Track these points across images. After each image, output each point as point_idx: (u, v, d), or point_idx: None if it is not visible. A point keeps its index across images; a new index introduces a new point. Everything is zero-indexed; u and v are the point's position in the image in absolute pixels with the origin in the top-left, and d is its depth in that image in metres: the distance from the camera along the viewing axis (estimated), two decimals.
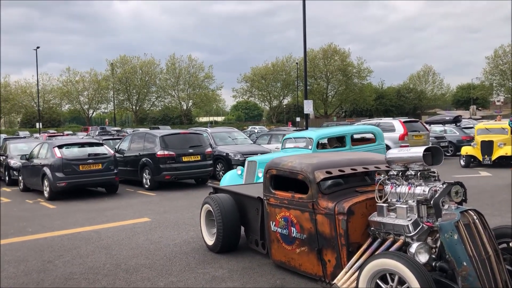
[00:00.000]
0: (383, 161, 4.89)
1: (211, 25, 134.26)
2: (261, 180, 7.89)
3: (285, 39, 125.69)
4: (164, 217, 8.32)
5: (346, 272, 4.02)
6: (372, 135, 10.85)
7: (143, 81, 67.87)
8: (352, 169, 4.63)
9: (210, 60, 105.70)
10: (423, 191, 3.86)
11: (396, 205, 3.99)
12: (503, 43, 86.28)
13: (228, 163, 13.39)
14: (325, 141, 10.55)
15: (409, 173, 4.08)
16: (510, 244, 4.04)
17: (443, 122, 21.93)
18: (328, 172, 4.47)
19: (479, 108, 75.70)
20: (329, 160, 4.74)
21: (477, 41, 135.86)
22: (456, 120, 22.13)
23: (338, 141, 10.60)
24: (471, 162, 15.45)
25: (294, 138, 10.40)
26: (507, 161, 14.72)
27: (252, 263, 5.36)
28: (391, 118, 18.44)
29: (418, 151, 3.98)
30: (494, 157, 14.78)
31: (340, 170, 4.55)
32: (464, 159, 15.53)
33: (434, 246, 3.75)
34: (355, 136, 10.94)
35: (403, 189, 4.02)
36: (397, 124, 16.76)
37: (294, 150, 9.73)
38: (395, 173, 4.23)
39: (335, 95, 70.31)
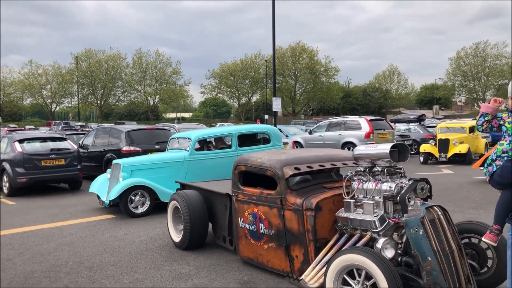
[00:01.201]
0: (350, 158, 4.94)
1: (179, 21, 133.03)
2: (122, 184, 7.70)
3: (254, 36, 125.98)
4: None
5: (314, 268, 4.03)
6: (267, 136, 9.71)
7: (108, 76, 66.52)
8: (320, 165, 4.64)
9: (178, 56, 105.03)
10: (390, 187, 3.91)
11: (363, 201, 4.02)
12: (465, 45, 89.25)
13: None
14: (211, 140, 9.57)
15: (376, 169, 4.13)
16: (472, 240, 4.16)
17: (408, 121, 22.44)
18: (296, 168, 4.47)
19: (442, 108, 78.04)
20: (297, 157, 4.74)
21: (441, 43, 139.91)
22: (420, 119, 22.68)
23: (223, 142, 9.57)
24: (429, 159, 16.07)
25: (177, 138, 9.29)
26: (461, 159, 15.37)
27: (220, 259, 5.32)
28: (358, 116, 18.70)
29: (385, 148, 4.03)
30: (449, 154, 15.37)
31: (308, 167, 4.56)
32: (422, 156, 16.07)
33: (400, 241, 3.80)
34: (259, 135, 9.90)
35: (370, 185, 4.06)
36: (363, 122, 17.02)
37: (172, 151, 8.87)
38: (362, 169, 4.27)
39: (303, 93, 70.89)
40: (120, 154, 11.62)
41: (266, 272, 4.75)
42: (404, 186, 3.87)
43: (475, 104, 74.80)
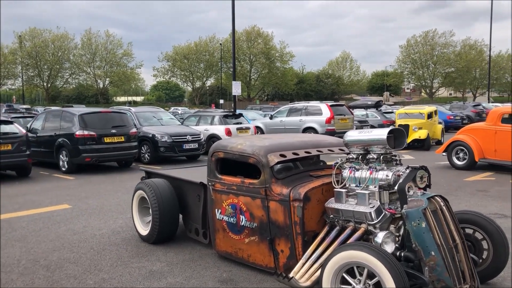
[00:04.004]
0: (337, 144, 4.63)
1: (129, 1, 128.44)
2: None
3: (207, 19, 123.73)
4: (86, 204, 7.54)
5: (303, 264, 3.69)
6: None
7: (55, 57, 63.33)
8: (306, 152, 4.29)
9: (128, 38, 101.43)
10: (386, 175, 3.61)
11: (357, 191, 3.71)
12: (415, 33, 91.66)
13: (154, 145, 12.63)
14: None
15: (371, 156, 3.82)
16: (466, 230, 3.95)
17: (365, 107, 22.61)
18: (282, 155, 4.10)
19: (392, 95, 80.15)
20: (282, 142, 4.36)
21: (390, 31, 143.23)
22: (377, 105, 22.92)
23: None
24: None
25: None
26: (420, 144, 15.58)
27: (193, 254, 4.89)
28: (319, 101, 18.60)
29: (381, 133, 3.72)
30: (409, 140, 15.52)
31: (294, 153, 4.19)
32: None
33: (397, 234, 3.53)
34: None
35: (364, 173, 3.75)
36: (324, 108, 16.90)
37: None
38: (354, 156, 3.95)
39: (258, 78, 70.54)
40: (72, 138, 10.85)
41: (247, 268, 4.38)
42: (402, 174, 3.59)
43: (422, 91, 77.33)
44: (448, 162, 11.32)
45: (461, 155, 11.08)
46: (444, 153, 11.45)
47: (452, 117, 24.61)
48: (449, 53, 68.69)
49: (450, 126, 23.70)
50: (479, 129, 10.93)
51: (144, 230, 5.36)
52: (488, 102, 40.63)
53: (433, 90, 72.51)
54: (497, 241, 3.80)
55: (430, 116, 16.24)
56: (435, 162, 12.29)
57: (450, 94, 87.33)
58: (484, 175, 10.10)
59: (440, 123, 18.48)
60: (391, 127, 3.85)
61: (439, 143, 16.43)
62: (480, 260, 3.87)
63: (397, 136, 3.87)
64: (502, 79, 71.04)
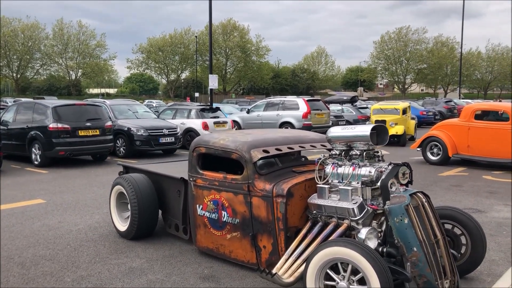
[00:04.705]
0: (319, 139, 4.64)
1: None
2: None
3: (182, 11, 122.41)
4: (61, 198, 7.36)
5: (286, 260, 3.68)
6: None
7: (25, 47, 61.59)
8: (289, 148, 4.28)
9: (101, 29, 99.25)
10: (369, 172, 3.64)
11: (340, 187, 3.72)
12: (388, 30, 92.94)
13: (130, 139, 12.43)
14: None
15: (353, 152, 3.84)
16: (445, 226, 4.02)
17: (341, 102, 22.76)
18: (265, 151, 4.07)
19: (366, 90, 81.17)
20: (264, 138, 4.33)
21: (364, 27, 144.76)
22: (352, 100, 23.05)
23: None
24: None
25: None
26: (397, 139, 15.75)
27: (173, 250, 4.83)
28: (295, 96, 18.66)
29: (364, 130, 3.74)
30: None
31: (277, 149, 4.17)
32: None
33: (380, 230, 3.56)
34: None
35: (347, 169, 3.76)
36: (301, 103, 16.98)
37: None
38: (337, 152, 3.96)
39: (234, 71, 70.28)
40: (46, 131, 10.58)
41: (228, 264, 4.35)
42: (384, 170, 3.62)
43: (395, 87, 78.54)
44: (422, 157, 11.53)
45: (435, 150, 11.29)
46: (418, 149, 11.64)
47: (425, 113, 25.07)
48: (421, 50, 69.90)
49: (423, 122, 24.15)
50: (453, 125, 11.16)
51: (122, 226, 5.26)
52: (459, 98, 41.61)
53: (406, 86, 73.73)
54: (475, 236, 3.89)
55: (404, 111, 16.45)
56: (410, 157, 12.49)
57: (422, 90, 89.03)
58: (457, 170, 10.32)
59: (413, 118, 18.75)
60: (374, 124, 3.87)
61: (412, 138, 16.66)
62: (459, 255, 3.94)
63: (380, 132, 3.90)
64: (472, 76, 72.77)
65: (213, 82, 18.68)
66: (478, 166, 10.68)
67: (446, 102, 30.49)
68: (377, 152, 3.88)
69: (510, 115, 9.94)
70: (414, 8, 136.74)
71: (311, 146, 4.48)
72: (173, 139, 13.02)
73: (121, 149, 12.65)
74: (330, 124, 17.82)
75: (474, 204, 7.02)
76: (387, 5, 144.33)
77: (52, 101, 12.17)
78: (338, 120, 19.32)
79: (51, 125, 10.56)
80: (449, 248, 3.56)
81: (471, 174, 9.77)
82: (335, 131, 3.98)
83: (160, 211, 5.26)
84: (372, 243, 3.35)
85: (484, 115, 10.59)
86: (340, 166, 3.84)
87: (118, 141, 12.66)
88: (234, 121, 17.57)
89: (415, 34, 70.03)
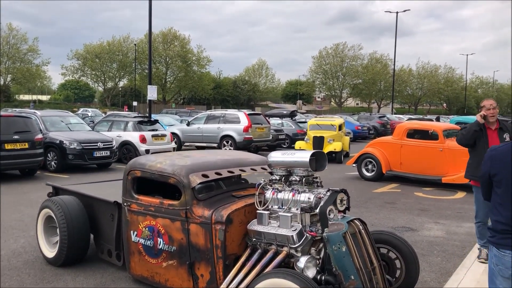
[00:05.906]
0: (260, 162, 4.59)
1: None
2: None
3: (120, 18, 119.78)
4: None
5: None
6: None
7: None
8: (229, 171, 4.20)
9: (33, 32, 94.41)
10: (308, 198, 3.63)
11: (279, 213, 3.69)
12: (326, 45, 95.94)
13: (62, 152, 11.83)
14: None
15: (293, 178, 3.83)
16: (381, 250, 4.09)
17: (281, 116, 23.11)
18: (204, 176, 3.96)
19: (304, 103, 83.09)
20: (203, 161, 4.23)
21: (303, 41, 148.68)
22: (292, 115, 23.52)
23: None
24: None
25: None
26: (334, 156, 15.99)
27: (105, 278, 4.58)
28: (237, 110, 18.68)
29: (303, 156, 3.74)
30: (325, 151, 15.89)
31: (217, 173, 4.08)
32: None
33: (318, 257, 3.55)
34: None
35: (286, 195, 3.74)
36: (242, 116, 16.99)
37: None
38: (277, 178, 3.94)
39: (174, 81, 69.37)
40: None
41: None
42: (323, 197, 3.63)
43: (332, 100, 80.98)
44: (358, 173, 11.86)
45: (370, 167, 11.66)
46: (354, 165, 11.97)
47: (360, 128, 25.97)
48: (357, 66, 72.57)
49: (358, 136, 24.99)
50: (386, 142, 11.59)
51: (50, 252, 4.93)
52: (392, 113, 43.55)
53: (342, 100, 76.16)
54: (409, 260, 3.98)
55: (340, 127, 16.75)
56: (345, 172, 12.82)
57: (357, 104, 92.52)
58: (390, 187, 10.70)
59: (348, 133, 19.27)
60: (313, 151, 3.88)
61: (346, 155, 16.83)
62: (394, 279, 4.02)
63: (319, 158, 3.92)
64: (404, 92, 76.54)
65: (152, 93, 18.29)
66: (410, 183, 11.14)
67: (380, 117, 31.81)
68: (316, 178, 3.89)
69: (439, 134, 10.48)
70: (350, 25, 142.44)
71: (251, 169, 4.42)
72: (108, 153, 12.54)
73: (52, 163, 12.02)
74: (271, 138, 17.97)
75: (407, 222, 7.27)
76: (326, 21, 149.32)
77: None
78: (278, 134, 19.53)
79: None
80: (385, 274, 3.62)
81: (404, 191, 10.16)
82: (275, 156, 3.96)
83: (92, 235, 4.99)
84: (311, 272, 3.33)
85: (415, 133, 11.09)
86: (280, 191, 3.81)
87: (49, 154, 12.00)
88: (174, 134, 17.26)
89: (351, 50, 72.65)
